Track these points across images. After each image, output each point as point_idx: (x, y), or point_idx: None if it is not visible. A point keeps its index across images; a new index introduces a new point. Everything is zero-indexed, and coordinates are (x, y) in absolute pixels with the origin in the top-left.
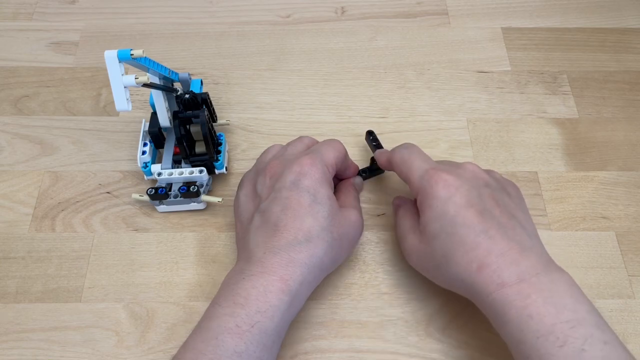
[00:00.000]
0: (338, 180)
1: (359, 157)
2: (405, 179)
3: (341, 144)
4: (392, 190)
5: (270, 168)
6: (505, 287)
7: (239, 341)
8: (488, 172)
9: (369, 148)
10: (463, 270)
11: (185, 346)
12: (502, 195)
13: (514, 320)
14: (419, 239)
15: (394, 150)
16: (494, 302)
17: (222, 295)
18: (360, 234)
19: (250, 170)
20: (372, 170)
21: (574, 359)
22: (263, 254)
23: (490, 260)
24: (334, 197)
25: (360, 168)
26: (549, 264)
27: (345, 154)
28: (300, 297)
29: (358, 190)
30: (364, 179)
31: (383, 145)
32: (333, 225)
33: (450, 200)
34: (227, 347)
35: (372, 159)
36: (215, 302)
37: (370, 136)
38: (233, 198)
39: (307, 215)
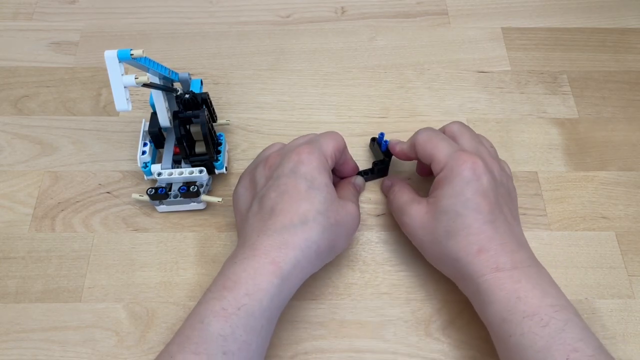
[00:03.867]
0: (339, 178)
1: (359, 157)
2: (429, 156)
3: (340, 135)
4: None
5: (270, 159)
6: (499, 271)
7: (224, 324)
8: (504, 170)
9: (371, 154)
10: (462, 249)
11: (176, 333)
12: (509, 198)
13: (503, 300)
14: (425, 210)
15: (418, 131)
16: (486, 283)
17: (215, 280)
18: (357, 225)
19: (249, 166)
20: (374, 172)
21: (554, 338)
22: (257, 237)
23: (491, 246)
24: (332, 185)
25: (361, 169)
26: (537, 261)
27: (344, 146)
28: (292, 281)
29: (359, 190)
30: (366, 180)
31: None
32: (330, 211)
33: (471, 184)
34: (212, 331)
35: (374, 163)
36: (209, 287)
37: (374, 142)
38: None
39: (303, 200)
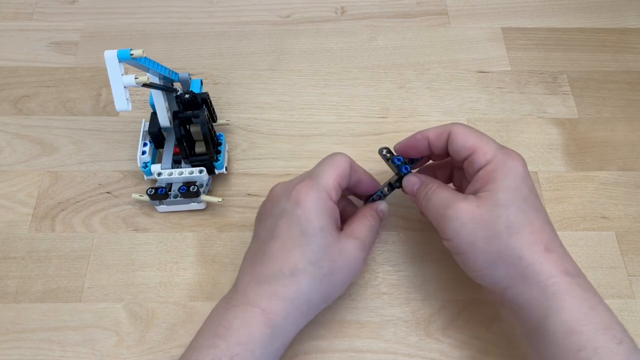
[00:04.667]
0: (365, 198)
1: (358, 157)
2: (470, 147)
3: (342, 159)
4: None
5: (274, 190)
6: (569, 275)
7: None
8: None
9: (383, 161)
10: (527, 246)
11: None
12: None
13: (574, 308)
14: (476, 204)
15: (453, 123)
16: (555, 286)
17: (207, 323)
18: (359, 270)
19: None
20: (393, 188)
21: (629, 358)
22: (247, 284)
23: (555, 247)
24: (331, 227)
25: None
26: None
27: (349, 169)
28: (285, 332)
29: (382, 217)
30: (383, 196)
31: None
32: (323, 260)
33: (526, 181)
34: None
35: (390, 184)
36: (200, 331)
37: (384, 150)
38: (233, 198)
39: (294, 247)
